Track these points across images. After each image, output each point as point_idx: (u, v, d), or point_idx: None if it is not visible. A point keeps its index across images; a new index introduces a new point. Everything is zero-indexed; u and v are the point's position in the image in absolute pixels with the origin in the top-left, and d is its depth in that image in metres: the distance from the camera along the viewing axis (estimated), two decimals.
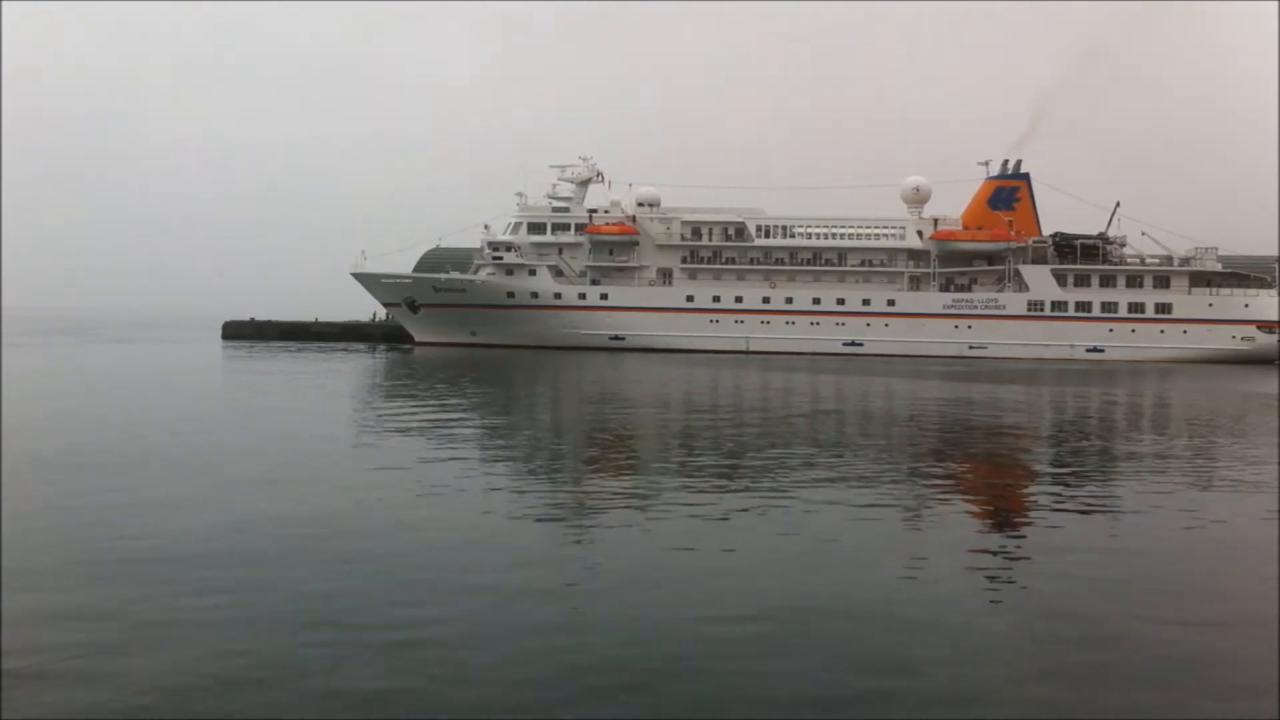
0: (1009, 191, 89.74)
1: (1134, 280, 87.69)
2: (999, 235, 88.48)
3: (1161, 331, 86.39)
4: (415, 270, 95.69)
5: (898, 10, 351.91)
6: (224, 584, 13.45)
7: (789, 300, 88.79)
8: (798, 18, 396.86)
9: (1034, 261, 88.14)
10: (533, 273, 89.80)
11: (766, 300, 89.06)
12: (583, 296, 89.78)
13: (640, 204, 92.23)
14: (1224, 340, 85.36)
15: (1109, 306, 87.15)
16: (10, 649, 10.86)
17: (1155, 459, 27.16)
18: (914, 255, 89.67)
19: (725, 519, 18.26)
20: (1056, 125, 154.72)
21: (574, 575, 14.45)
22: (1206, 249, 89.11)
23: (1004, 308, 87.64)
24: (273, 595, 13.03)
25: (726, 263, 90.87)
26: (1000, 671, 10.97)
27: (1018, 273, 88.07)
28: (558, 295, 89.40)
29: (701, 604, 13.07)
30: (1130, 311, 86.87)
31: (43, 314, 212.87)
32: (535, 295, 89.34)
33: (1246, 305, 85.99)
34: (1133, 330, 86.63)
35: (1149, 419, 41.63)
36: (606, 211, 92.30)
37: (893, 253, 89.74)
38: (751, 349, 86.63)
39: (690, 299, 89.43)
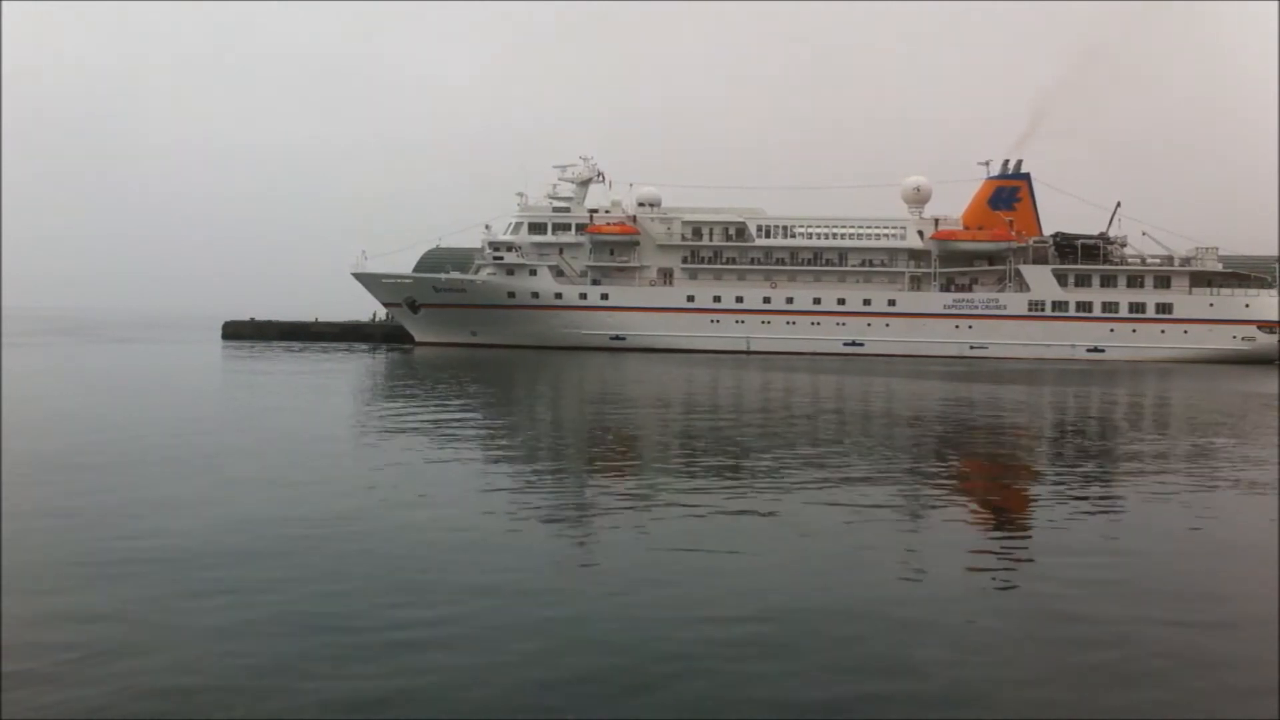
0: (1009, 191, 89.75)
1: (1135, 280, 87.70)
2: (1000, 235, 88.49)
3: (1162, 331, 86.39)
4: (415, 270, 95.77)
5: (898, 10, 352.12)
6: (224, 585, 13.44)
7: (790, 300, 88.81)
8: (798, 18, 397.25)
9: (1035, 261, 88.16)
10: (533, 273, 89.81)
11: (767, 300, 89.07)
12: (583, 296, 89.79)
13: (641, 204, 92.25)
14: (1225, 340, 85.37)
15: (1110, 306, 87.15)
16: (10, 649, 10.86)
17: (1156, 459, 27.14)
18: (915, 255, 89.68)
19: (726, 520, 18.26)
20: (1056, 125, 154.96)
21: (575, 576, 14.45)
22: (1207, 249, 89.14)
23: (1005, 308, 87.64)
24: (273, 596, 13.02)
25: (727, 263, 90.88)
26: (1002, 673, 10.96)
27: (1018, 273, 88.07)
28: (558, 295, 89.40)
29: (702, 605, 13.06)
30: (1131, 311, 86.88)
31: (43, 314, 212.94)
32: (536, 295, 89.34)
33: (1247, 305, 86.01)
34: (1133, 330, 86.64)
35: (1150, 419, 41.61)
36: (607, 211, 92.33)
37: (893, 253, 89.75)
38: (752, 349, 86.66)
39: (691, 299, 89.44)
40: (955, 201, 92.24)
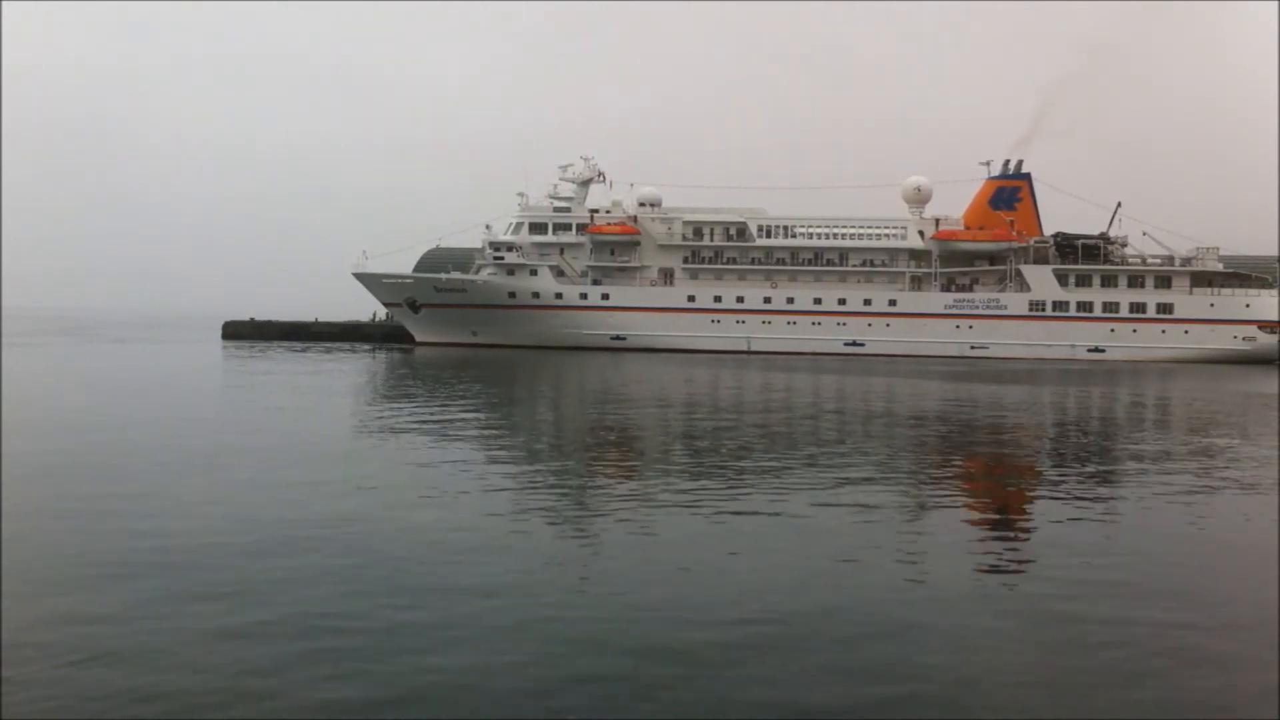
0: (1010, 191, 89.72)
1: (1135, 280, 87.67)
2: (1000, 235, 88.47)
3: (1163, 331, 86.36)
4: (416, 270, 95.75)
5: (898, 10, 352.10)
6: (225, 586, 13.44)
7: (790, 300, 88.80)
8: (798, 17, 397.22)
9: (1035, 261, 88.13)
10: (534, 273, 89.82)
11: (768, 300, 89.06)
12: (584, 296, 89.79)
13: (642, 204, 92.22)
14: (1225, 340, 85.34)
15: (1110, 306, 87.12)
16: (10, 650, 10.86)
17: (1156, 459, 27.14)
18: (915, 255, 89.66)
19: (728, 521, 18.26)
20: (1057, 125, 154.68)
21: (576, 577, 14.45)
22: (1208, 249, 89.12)
23: (1005, 308, 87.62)
24: (274, 597, 13.02)
25: (728, 263, 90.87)
26: (1003, 674, 10.96)
27: (1019, 273, 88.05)
28: (559, 295, 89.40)
29: (703, 605, 13.06)
30: (1132, 311, 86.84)
31: (43, 314, 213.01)
32: (536, 295, 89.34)
33: (1248, 305, 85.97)
34: (1134, 330, 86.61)
35: (1150, 419, 41.61)
36: (608, 211, 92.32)
37: (894, 253, 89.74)
38: (753, 349, 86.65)
39: (691, 299, 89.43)
40: (956, 201, 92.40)
